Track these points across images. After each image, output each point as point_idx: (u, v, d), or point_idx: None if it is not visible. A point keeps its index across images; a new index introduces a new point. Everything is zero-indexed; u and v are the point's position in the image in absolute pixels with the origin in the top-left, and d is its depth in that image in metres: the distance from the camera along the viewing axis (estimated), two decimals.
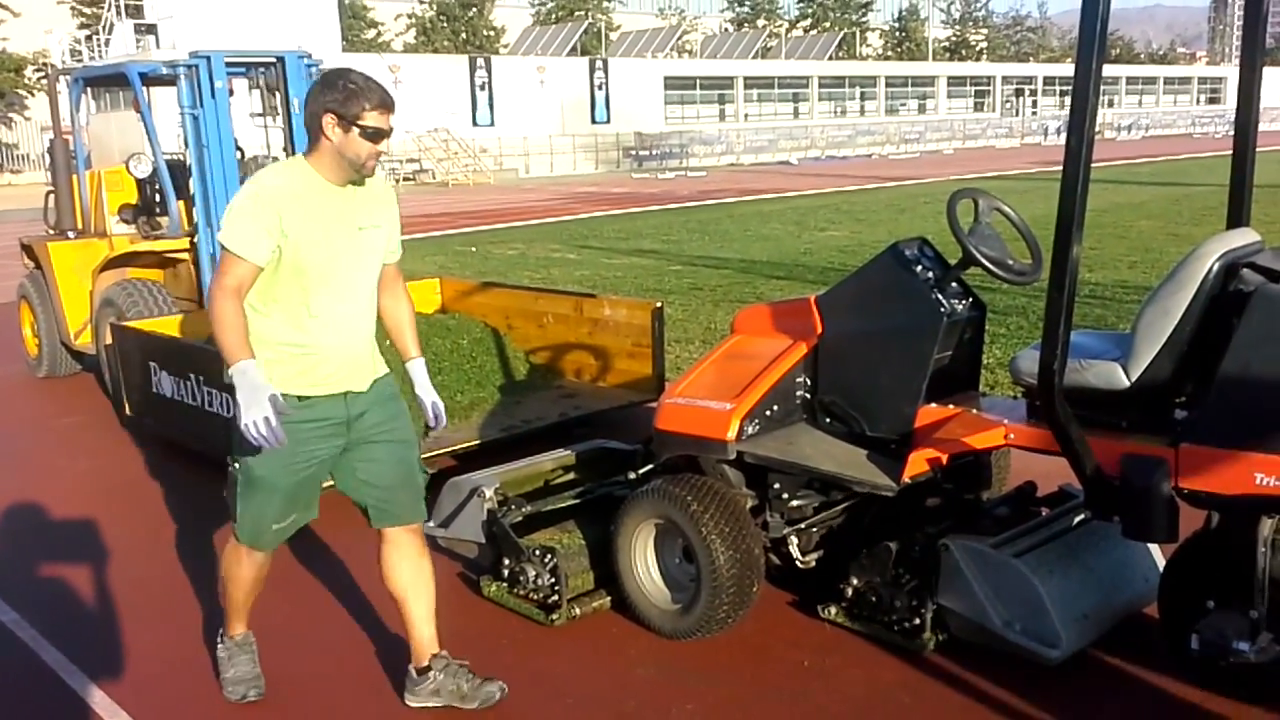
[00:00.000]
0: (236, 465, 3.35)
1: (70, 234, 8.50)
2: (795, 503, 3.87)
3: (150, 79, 7.82)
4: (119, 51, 34.00)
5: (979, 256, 3.66)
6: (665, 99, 50.19)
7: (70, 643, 4.03)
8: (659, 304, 6.73)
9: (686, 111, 51.66)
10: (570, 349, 7.15)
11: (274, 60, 7.58)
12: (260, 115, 7.82)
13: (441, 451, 5.71)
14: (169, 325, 6.73)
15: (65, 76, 9.01)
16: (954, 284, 3.89)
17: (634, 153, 44.81)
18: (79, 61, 33.12)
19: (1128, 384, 3.31)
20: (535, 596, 4.06)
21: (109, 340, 6.94)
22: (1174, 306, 3.25)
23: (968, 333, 3.94)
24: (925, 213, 20.33)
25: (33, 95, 42.86)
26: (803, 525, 3.92)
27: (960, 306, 3.85)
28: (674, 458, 4.07)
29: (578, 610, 3.98)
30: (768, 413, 3.88)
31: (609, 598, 4.06)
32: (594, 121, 46.46)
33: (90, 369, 8.37)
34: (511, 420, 6.27)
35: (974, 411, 3.77)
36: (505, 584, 4.17)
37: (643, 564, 3.95)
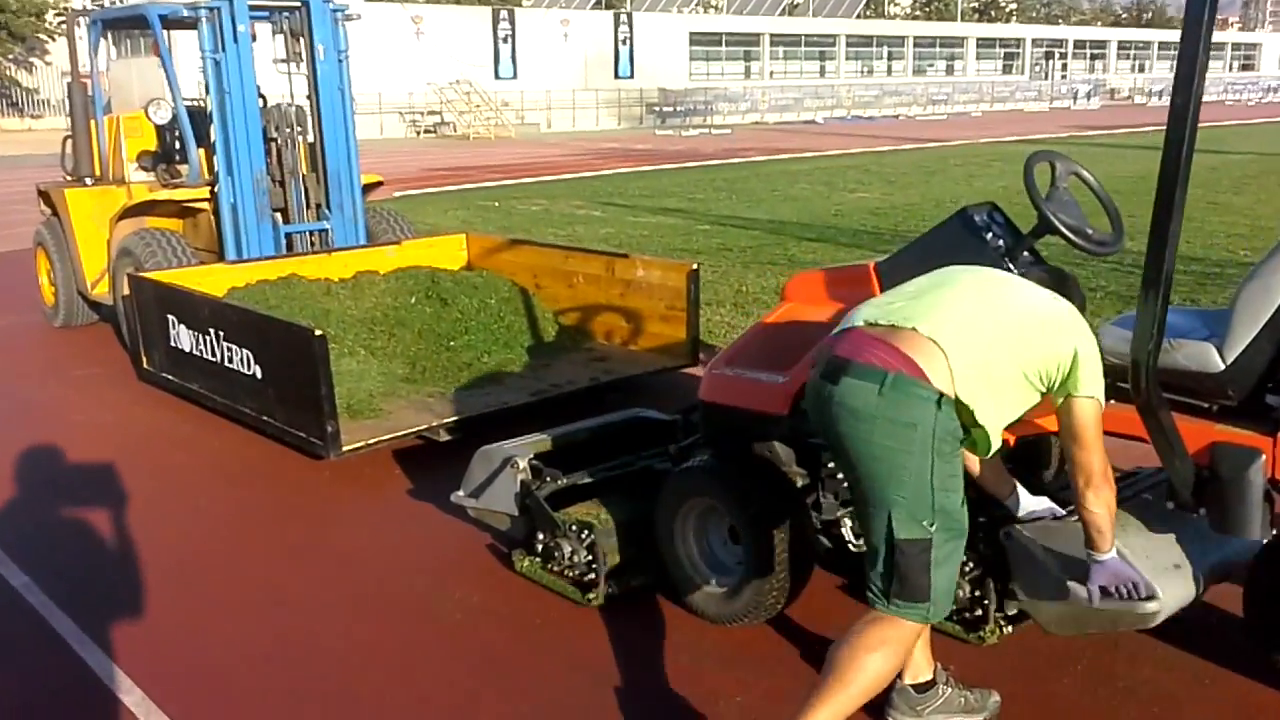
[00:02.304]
0: (933, 526, 2.57)
1: (88, 181, 8.28)
2: (848, 481, 3.62)
3: (171, 22, 7.56)
4: None
5: (1058, 224, 3.39)
6: (690, 55, 49.52)
7: (81, 610, 3.85)
8: (695, 265, 6.48)
9: (711, 68, 50.98)
10: (601, 310, 6.92)
11: (298, 5, 7.30)
12: (284, 61, 7.56)
13: (468, 415, 5.50)
14: (188, 277, 6.51)
15: (84, 19, 8.74)
16: (1026, 253, 3.62)
17: (657, 109, 44.23)
18: (100, 5, 32.76)
19: (1222, 366, 3.05)
20: (571, 574, 3.85)
21: (126, 291, 6.73)
22: (1277, 285, 2.98)
23: None
24: (956, 175, 19.95)
25: (53, 40, 42.48)
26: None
27: (1033, 277, 3.59)
28: (719, 431, 3.83)
29: (615, 589, 3.77)
30: None
31: (647, 577, 3.84)
32: (617, 76, 45.87)
33: (107, 319, 8.18)
34: (540, 384, 6.06)
35: None
36: (539, 559, 3.96)
37: (685, 544, 3.73)
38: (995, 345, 2.65)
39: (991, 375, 2.63)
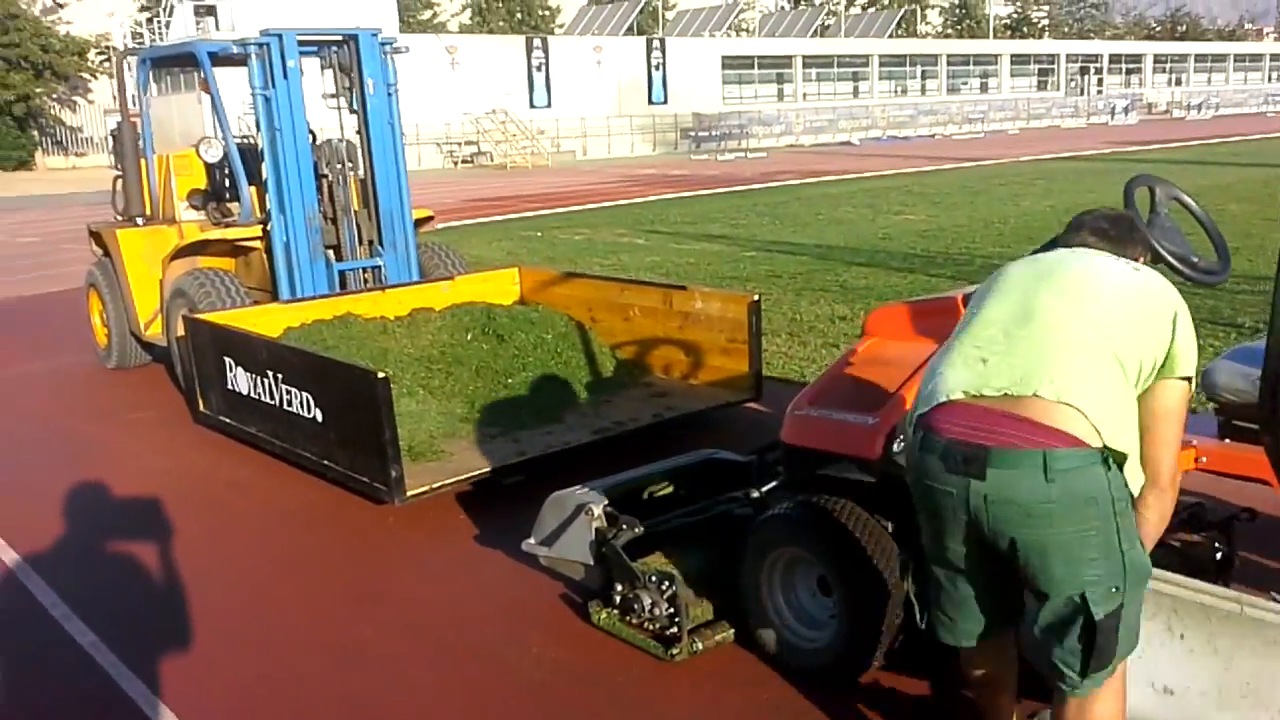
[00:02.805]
0: (1125, 587, 2.34)
1: (139, 221, 8.26)
2: None
3: (220, 59, 7.53)
4: (179, 34, 34.03)
5: (1163, 251, 3.21)
6: (723, 79, 49.54)
7: (149, 670, 3.73)
8: (756, 296, 6.32)
9: (744, 91, 50.95)
10: (659, 344, 6.78)
11: (347, 39, 7.26)
12: (333, 96, 7.51)
13: (531, 456, 5.37)
14: (243, 318, 6.44)
15: (132, 57, 8.76)
16: None
17: (692, 134, 44.21)
18: (140, 44, 33.21)
19: None
20: (651, 627, 3.69)
21: (181, 332, 6.68)
22: None
23: None
24: (1001, 195, 19.69)
25: (95, 78, 43.20)
26: None
27: None
28: (805, 477, 3.67)
29: (700, 644, 3.61)
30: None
31: (732, 630, 3.68)
32: (651, 102, 45.95)
33: (160, 360, 8.14)
34: (602, 421, 5.92)
35: None
36: (617, 611, 3.80)
37: (772, 595, 3.56)
38: (1109, 361, 2.37)
39: (1120, 397, 2.37)
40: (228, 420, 6.18)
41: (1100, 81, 65.92)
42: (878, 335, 3.87)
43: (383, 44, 7.36)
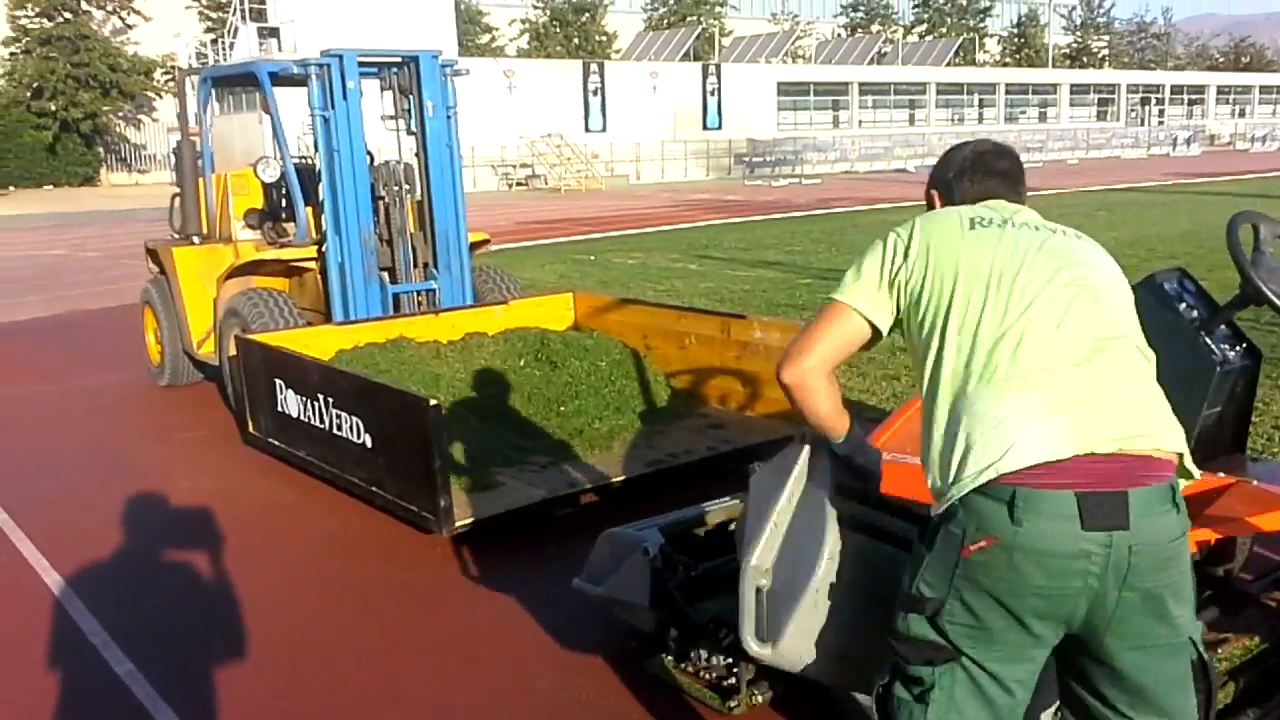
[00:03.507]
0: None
1: (195, 239, 8.26)
2: None
3: (280, 79, 7.50)
4: (242, 54, 34.60)
5: (1269, 294, 3.01)
6: (778, 105, 49.45)
7: (187, 707, 3.61)
8: None
9: (799, 118, 50.82)
10: (715, 374, 6.61)
11: (407, 60, 7.21)
12: (392, 118, 7.46)
13: (583, 488, 5.22)
14: (295, 339, 6.37)
15: (194, 77, 8.80)
16: (1224, 326, 3.25)
17: (746, 159, 44.13)
18: (204, 64, 33.79)
19: None
20: (708, 676, 3.51)
21: (233, 352, 6.62)
22: None
23: (1239, 385, 3.28)
24: (1063, 225, 19.28)
25: (160, 97, 44.03)
26: None
27: (1234, 354, 3.21)
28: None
29: (759, 697, 3.42)
30: None
31: (771, 692, 3.46)
32: (705, 128, 45.94)
33: (212, 379, 8.11)
34: (656, 453, 5.76)
35: (1252, 482, 3.11)
36: (671, 658, 3.63)
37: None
38: (1143, 358, 2.22)
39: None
40: (277, 443, 6.10)
41: (1162, 112, 65.01)
42: None
43: (443, 66, 7.30)
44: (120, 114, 43.81)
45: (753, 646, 2.68)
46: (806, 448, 2.67)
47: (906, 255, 2.27)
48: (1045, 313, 2.13)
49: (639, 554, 3.71)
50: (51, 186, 40.34)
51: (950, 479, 2.08)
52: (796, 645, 2.64)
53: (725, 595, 3.66)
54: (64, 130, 41.31)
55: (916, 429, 3.46)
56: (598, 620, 4.01)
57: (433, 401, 4.71)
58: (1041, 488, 2.00)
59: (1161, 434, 2.11)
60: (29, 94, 40.55)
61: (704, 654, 3.49)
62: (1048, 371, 2.09)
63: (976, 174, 2.49)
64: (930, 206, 2.56)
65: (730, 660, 3.43)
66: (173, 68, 39.06)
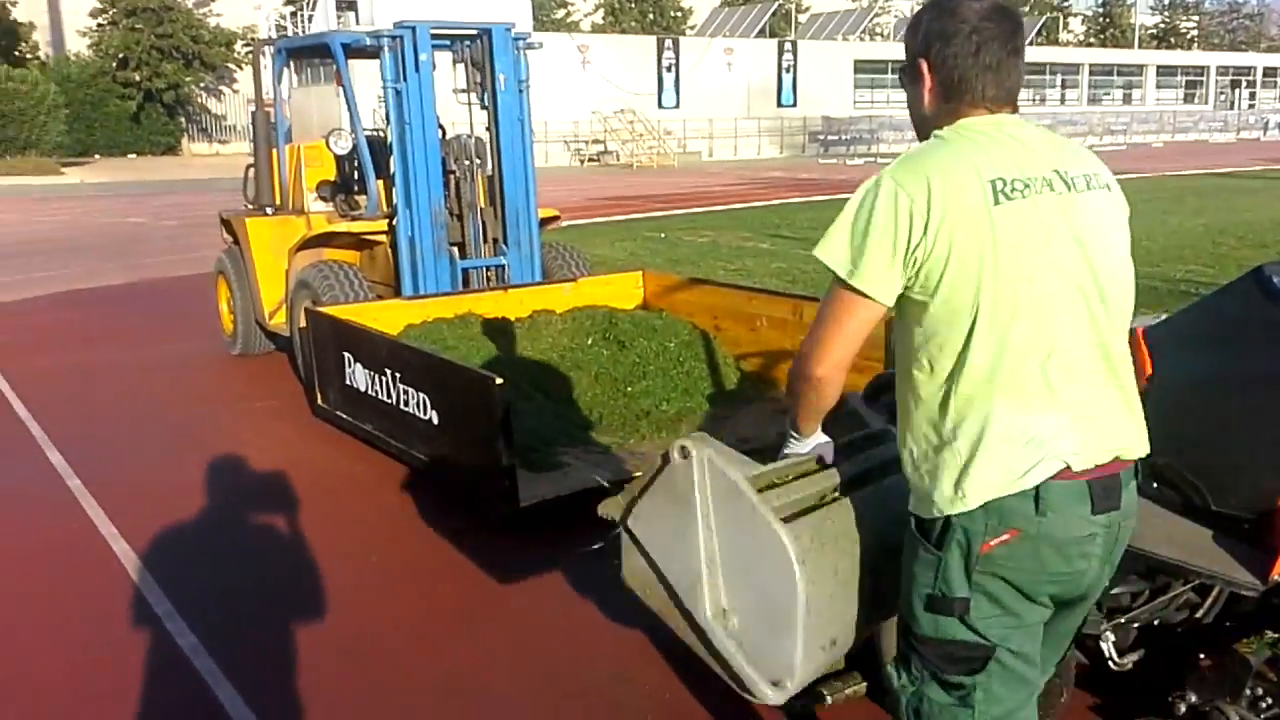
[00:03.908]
0: None
1: (268, 210, 8.29)
2: (1115, 590, 3.09)
3: (353, 50, 7.48)
4: (320, 26, 34.90)
5: None
6: (855, 83, 48.69)
7: (247, 681, 3.60)
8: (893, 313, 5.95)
9: (876, 96, 49.97)
10: (786, 357, 6.45)
11: (481, 33, 7.13)
12: (464, 91, 7.39)
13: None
14: (364, 313, 6.36)
15: (269, 48, 8.82)
16: None
17: (820, 137, 43.57)
18: (282, 36, 34.16)
19: None
20: None
21: (303, 324, 6.63)
22: None
23: None
24: (1148, 211, 18.71)
25: (240, 69, 44.63)
26: (1121, 619, 3.14)
27: None
28: None
29: (829, 697, 3.30)
30: None
31: (865, 683, 3.36)
32: (780, 105, 45.40)
33: (283, 350, 8.15)
34: (723, 437, 5.62)
35: None
36: None
37: None
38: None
39: None
40: (345, 416, 6.09)
41: (1253, 95, 62.93)
42: None
43: (516, 39, 7.22)
44: (202, 85, 44.46)
45: (772, 697, 2.35)
46: (695, 458, 2.31)
47: (926, 229, 1.96)
48: (1068, 320, 2.03)
49: None
50: (134, 155, 41.12)
51: (972, 490, 2.01)
52: (814, 659, 2.41)
53: None
54: (147, 100, 42.04)
55: None
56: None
57: (499, 380, 4.64)
58: (1061, 479, 2.01)
59: (1145, 437, 2.16)
60: (114, 64, 41.32)
61: None
62: (1071, 387, 2.02)
63: (1003, 73, 2.10)
64: (911, 75, 2.19)
65: None
66: (252, 39, 39.54)
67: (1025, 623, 2.09)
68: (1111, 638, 3.11)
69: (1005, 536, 2.00)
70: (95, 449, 6.28)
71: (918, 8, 2.31)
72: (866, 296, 2.03)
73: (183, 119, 44.50)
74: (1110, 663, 3.14)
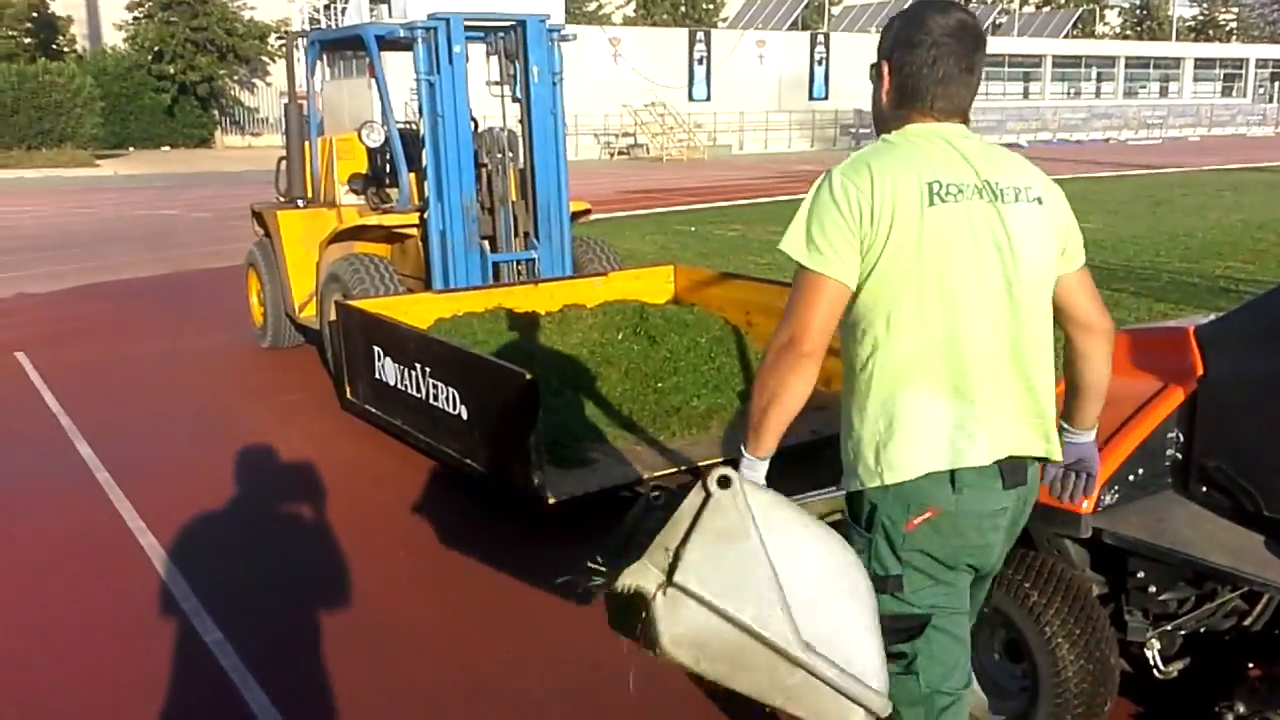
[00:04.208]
0: None
1: (300, 202, 8.28)
2: (1161, 596, 3.00)
3: (386, 42, 7.45)
4: (353, 19, 34.96)
5: None
6: None
7: (273, 680, 3.57)
8: None
9: None
10: None
11: (514, 24, 7.08)
12: (497, 84, 7.34)
13: (679, 469, 5.07)
14: (394, 306, 6.33)
15: (302, 40, 8.81)
16: None
17: (852, 130, 43.25)
18: (316, 28, 34.27)
19: None
20: None
21: (333, 317, 6.61)
22: None
23: None
24: (1184, 206, 18.48)
25: (274, 61, 44.85)
26: (1168, 626, 3.05)
27: None
28: None
29: None
30: (1130, 478, 3.02)
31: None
32: (811, 98, 45.09)
33: (313, 342, 8.14)
34: None
35: None
36: None
37: None
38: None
39: None
40: (374, 410, 6.07)
41: None
42: None
43: (550, 31, 7.16)
44: (235, 78, 44.71)
45: (880, 705, 2.13)
46: (735, 484, 2.07)
47: (871, 219, 2.10)
48: (986, 320, 2.15)
49: None
50: (168, 148, 41.42)
51: (889, 466, 2.14)
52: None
53: None
54: (181, 93, 42.31)
55: None
56: None
57: (529, 376, 4.59)
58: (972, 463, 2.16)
59: (1051, 443, 2.26)
60: (150, 57, 41.61)
61: None
62: (983, 383, 2.15)
63: (953, 88, 2.22)
64: (875, 74, 2.29)
65: None
66: (286, 32, 39.74)
67: (951, 584, 2.24)
68: (1157, 645, 3.03)
69: (927, 514, 2.15)
70: (124, 441, 6.29)
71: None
72: (829, 277, 2.12)
73: (216, 112, 44.78)
74: (1155, 671, 3.06)
